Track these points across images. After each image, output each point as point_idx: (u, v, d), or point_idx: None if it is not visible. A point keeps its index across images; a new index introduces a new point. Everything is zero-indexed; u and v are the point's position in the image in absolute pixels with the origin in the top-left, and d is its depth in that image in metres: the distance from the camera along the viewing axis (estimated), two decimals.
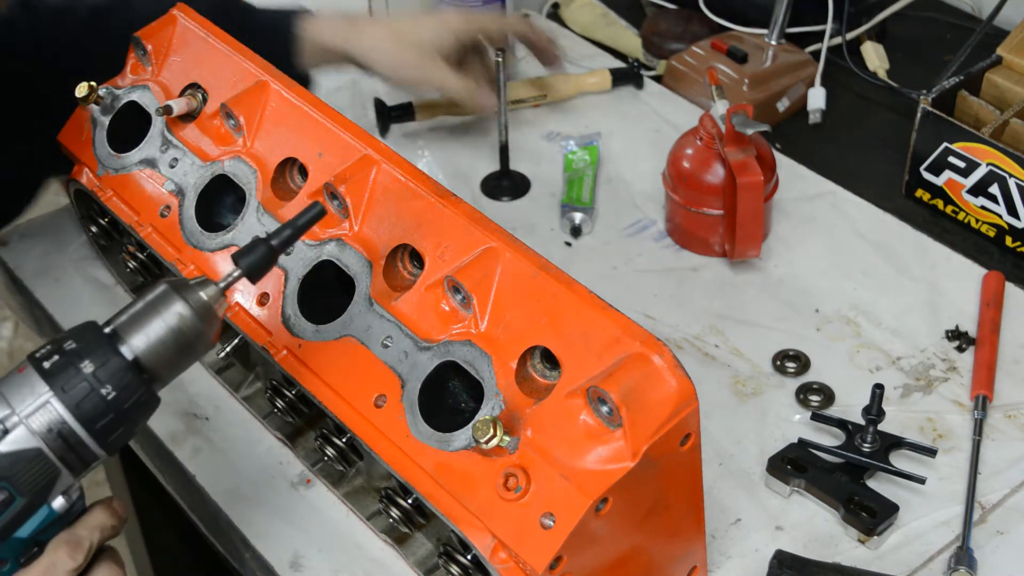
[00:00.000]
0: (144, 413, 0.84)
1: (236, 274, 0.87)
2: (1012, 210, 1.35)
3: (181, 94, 1.18)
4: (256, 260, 0.87)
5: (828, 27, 1.62)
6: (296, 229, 0.88)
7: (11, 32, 1.25)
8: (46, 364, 0.81)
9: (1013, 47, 1.45)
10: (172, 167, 1.16)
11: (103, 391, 0.81)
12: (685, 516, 0.97)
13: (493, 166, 1.51)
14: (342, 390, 1.00)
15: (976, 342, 1.25)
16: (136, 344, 0.83)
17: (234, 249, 1.09)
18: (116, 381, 0.81)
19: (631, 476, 0.86)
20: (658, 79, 1.65)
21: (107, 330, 0.84)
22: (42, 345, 0.84)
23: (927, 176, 1.42)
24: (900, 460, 1.12)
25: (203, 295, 0.85)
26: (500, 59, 1.37)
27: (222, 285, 0.87)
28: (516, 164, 1.50)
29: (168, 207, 1.15)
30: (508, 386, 0.91)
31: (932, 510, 1.10)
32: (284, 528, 1.11)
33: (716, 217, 1.35)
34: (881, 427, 1.13)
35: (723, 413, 1.19)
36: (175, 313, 0.84)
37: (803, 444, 1.14)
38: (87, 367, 0.81)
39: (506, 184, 1.49)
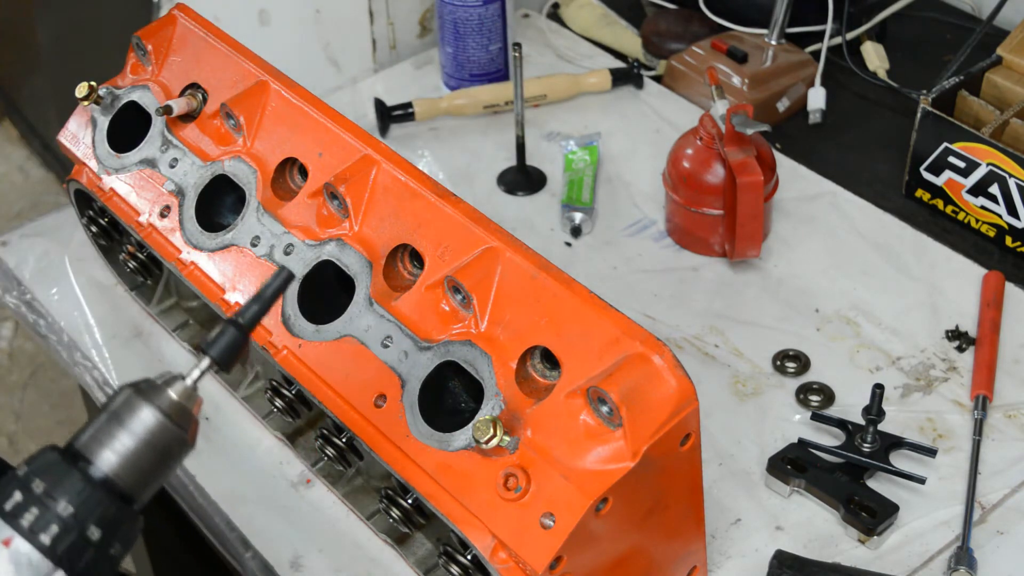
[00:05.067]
0: (129, 540, 0.75)
1: (205, 365, 0.78)
2: (1012, 210, 1.34)
3: (181, 94, 1.18)
4: (226, 345, 0.78)
5: (828, 27, 1.62)
6: (263, 303, 0.79)
7: None
8: (23, 521, 0.71)
9: (1013, 47, 1.45)
10: (172, 167, 1.16)
11: (88, 533, 0.72)
12: (685, 516, 0.97)
13: (498, 165, 1.51)
14: (342, 390, 1.00)
15: (976, 342, 1.25)
16: (106, 463, 0.74)
17: (234, 249, 1.09)
18: (98, 518, 0.72)
19: (631, 476, 0.86)
20: (658, 79, 1.65)
21: (73, 456, 0.74)
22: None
23: (927, 176, 1.42)
24: (900, 460, 1.12)
25: (172, 395, 0.77)
26: (517, 54, 1.38)
27: (191, 381, 0.78)
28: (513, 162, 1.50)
29: (168, 207, 1.15)
30: (508, 386, 0.91)
31: (932, 510, 1.10)
32: (284, 528, 1.11)
33: (716, 217, 1.35)
34: (881, 427, 1.13)
35: (723, 413, 1.19)
36: (143, 422, 0.75)
37: (803, 444, 1.14)
38: (64, 508, 0.72)
39: (522, 179, 1.49)
